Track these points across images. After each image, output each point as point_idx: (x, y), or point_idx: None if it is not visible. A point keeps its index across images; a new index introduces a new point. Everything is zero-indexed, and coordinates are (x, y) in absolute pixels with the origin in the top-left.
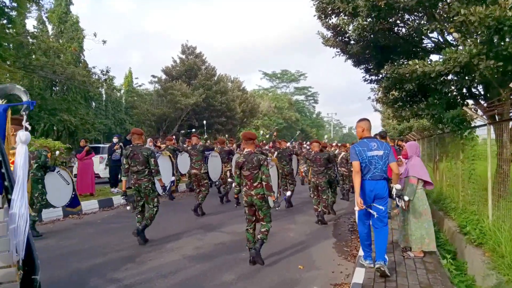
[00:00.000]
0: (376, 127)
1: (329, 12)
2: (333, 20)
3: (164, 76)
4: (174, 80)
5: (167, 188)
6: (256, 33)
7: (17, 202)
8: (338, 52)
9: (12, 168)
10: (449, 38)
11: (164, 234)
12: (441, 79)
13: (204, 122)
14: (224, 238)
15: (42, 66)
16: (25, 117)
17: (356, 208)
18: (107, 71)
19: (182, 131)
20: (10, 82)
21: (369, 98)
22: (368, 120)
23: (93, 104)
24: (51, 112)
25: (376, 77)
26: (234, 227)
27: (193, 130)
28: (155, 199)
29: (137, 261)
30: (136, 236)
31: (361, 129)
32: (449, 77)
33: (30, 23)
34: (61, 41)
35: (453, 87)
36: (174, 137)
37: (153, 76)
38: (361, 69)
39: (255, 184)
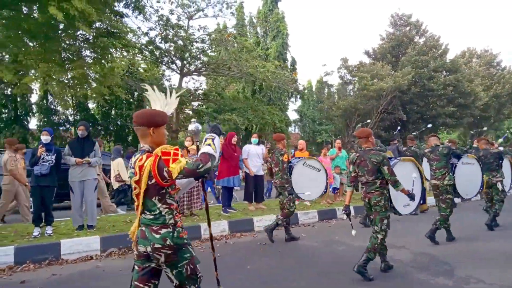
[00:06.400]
0: None
1: None
2: None
3: (367, 60)
4: (374, 61)
5: (416, 203)
6: None
7: None
8: None
9: None
10: None
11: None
12: None
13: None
14: None
15: (218, 64)
16: None
17: None
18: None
19: (397, 131)
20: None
21: None
22: None
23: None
24: (219, 113)
25: None
26: None
27: (429, 126)
28: (384, 221)
29: None
30: (358, 273)
31: None
32: None
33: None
34: (268, 41)
35: None
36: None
37: (342, 59)
38: None
39: None
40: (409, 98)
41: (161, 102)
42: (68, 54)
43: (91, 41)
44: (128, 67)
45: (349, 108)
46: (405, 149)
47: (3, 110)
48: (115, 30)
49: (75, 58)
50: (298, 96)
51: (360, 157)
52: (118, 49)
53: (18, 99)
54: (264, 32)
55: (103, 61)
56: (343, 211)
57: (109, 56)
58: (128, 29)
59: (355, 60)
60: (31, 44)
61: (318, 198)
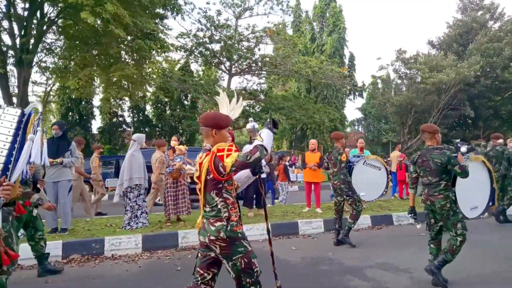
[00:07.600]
0: None
1: None
2: None
3: (432, 51)
4: (439, 51)
5: (484, 205)
6: None
7: None
8: None
9: None
10: None
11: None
12: None
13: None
14: None
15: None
16: None
17: None
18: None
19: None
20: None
21: None
22: None
23: None
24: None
25: None
26: None
27: None
28: (458, 225)
29: None
30: (429, 273)
31: None
32: None
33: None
34: (324, 37)
35: None
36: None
37: (396, 51)
38: None
39: None
40: (478, 92)
41: (228, 107)
42: (109, 58)
43: (129, 44)
44: (180, 69)
45: (404, 104)
46: (489, 149)
47: (69, 113)
48: (150, 31)
49: (120, 60)
50: (357, 93)
51: (422, 156)
52: (157, 51)
53: (83, 103)
54: (320, 27)
55: (145, 64)
56: (409, 214)
57: (147, 58)
58: (171, 30)
59: (415, 52)
60: (80, 50)
61: (378, 199)
